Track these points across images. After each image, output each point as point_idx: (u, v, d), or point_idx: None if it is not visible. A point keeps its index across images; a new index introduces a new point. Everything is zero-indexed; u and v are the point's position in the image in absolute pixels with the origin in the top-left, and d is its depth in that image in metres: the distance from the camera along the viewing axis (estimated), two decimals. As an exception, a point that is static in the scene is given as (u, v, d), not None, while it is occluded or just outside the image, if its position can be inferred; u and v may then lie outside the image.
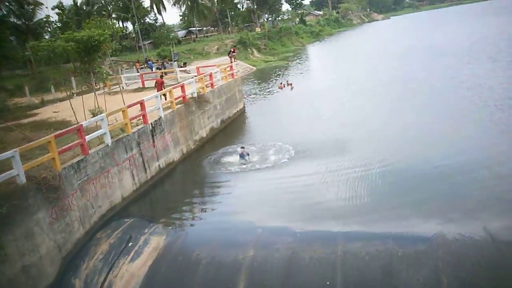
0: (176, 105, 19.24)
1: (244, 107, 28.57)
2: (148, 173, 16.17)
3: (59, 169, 11.56)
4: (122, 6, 65.73)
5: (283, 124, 23.38)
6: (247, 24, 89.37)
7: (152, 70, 32.54)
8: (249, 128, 25.60)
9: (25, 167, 10.65)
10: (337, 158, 16.40)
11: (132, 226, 12.68)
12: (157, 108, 17.51)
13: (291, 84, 34.97)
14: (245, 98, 30.50)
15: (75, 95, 25.37)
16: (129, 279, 10.57)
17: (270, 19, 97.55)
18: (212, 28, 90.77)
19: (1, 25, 41.64)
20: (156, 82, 22.45)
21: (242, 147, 17.94)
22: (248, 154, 17.57)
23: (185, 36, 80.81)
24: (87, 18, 22.47)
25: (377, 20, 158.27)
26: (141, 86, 28.69)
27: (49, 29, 49.37)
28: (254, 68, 53.91)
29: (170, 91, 19.19)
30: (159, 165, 17.01)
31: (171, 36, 63.61)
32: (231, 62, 32.66)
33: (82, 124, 13.21)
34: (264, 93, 34.53)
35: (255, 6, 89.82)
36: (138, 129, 15.97)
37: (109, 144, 14.03)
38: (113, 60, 42.22)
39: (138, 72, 32.53)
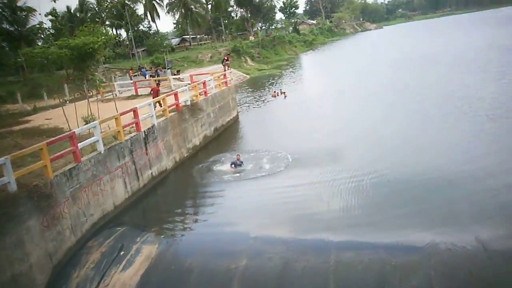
0: (170, 113, 19.22)
1: (237, 115, 28.60)
2: (141, 181, 16.09)
3: (51, 177, 11.48)
4: (116, 14, 65.74)
5: (277, 133, 23.40)
6: (241, 33, 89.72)
7: (145, 78, 32.53)
8: (243, 136, 25.60)
9: (16, 174, 10.56)
10: (330, 167, 16.43)
11: (124, 235, 12.58)
12: (150, 115, 17.47)
13: (284, 92, 35.10)
14: (238, 106, 30.53)
15: (68, 102, 25.29)
16: (120, 288, 10.47)
17: (263, 27, 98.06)
18: (206, 36, 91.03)
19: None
20: (151, 90, 22.45)
21: (238, 155, 17.91)
22: (242, 162, 17.54)
23: (178, 44, 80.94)
24: (80, 25, 22.43)
25: (370, 29, 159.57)
26: (134, 93, 28.64)
27: (42, 36, 49.19)
28: (248, 76, 54.05)
29: (163, 99, 19.17)
30: (151, 173, 16.94)
31: (164, 44, 63.67)
32: (225, 70, 32.77)
33: (74, 132, 13.14)
34: (258, 102, 34.60)
35: (249, 15, 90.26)
36: (131, 137, 15.91)
37: (102, 152, 13.96)
38: (106, 67, 42.19)
39: (131, 79, 32.49)
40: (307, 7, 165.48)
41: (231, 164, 17.58)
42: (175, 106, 19.95)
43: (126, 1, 65.63)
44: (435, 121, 21.17)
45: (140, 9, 71.65)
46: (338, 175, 15.57)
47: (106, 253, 11.65)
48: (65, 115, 17.22)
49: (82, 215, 12.55)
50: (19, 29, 46.44)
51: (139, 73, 35.96)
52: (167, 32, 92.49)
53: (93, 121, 15.79)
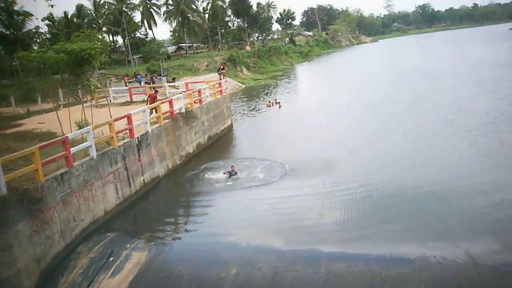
0: (164, 120, 19.21)
1: (231, 124, 28.62)
2: (133, 188, 16.02)
3: (42, 181, 11.39)
4: (113, 20, 65.90)
5: (271, 143, 23.41)
6: (237, 42, 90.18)
7: (140, 84, 32.52)
8: (236, 145, 25.61)
9: (7, 177, 10.47)
10: (323, 179, 16.46)
11: (114, 241, 12.49)
12: (144, 122, 17.45)
13: (279, 102, 35.20)
14: (233, 115, 30.57)
15: (61, 106, 25.17)
16: (108, 295, 10.36)
17: (260, 38, 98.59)
18: (202, 45, 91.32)
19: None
20: (148, 96, 22.50)
21: (232, 166, 17.86)
22: (236, 173, 17.50)
23: (175, 52, 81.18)
24: (77, 31, 22.42)
25: (366, 42, 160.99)
26: (129, 100, 28.59)
27: (38, 40, 49.18)
28: (243, 85, 54.21)
29: (158, 106, 19.16)
30: (144, 179, 16.87)
31: (161, 51, 63.90)
32: (220, 79, 32.84)
33: (67, 136, 13.09)
34: (252, 111, 34.67)
35: (246, 25, 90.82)
36: (124, 143, 15.86)
37: (94, 157, 13.90)
38: (101, 73, 42.13)
39: (126, 86, 32.46)
40: (304, 19, 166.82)
41: (226, 173, 17.51)
42: (169, 113, 19.93)
43: (123, 8, 65.90)
44: (427, 135, 21.31)
45: (137, 16, 71.83)
46: (331, 186, 15.63)
47: (95, 259, 11.54)
48: (58, 120, 17.14)
49: (72, 220, 12.45)
50: (15, 33, 46.41)
51: (134, 79, 35.98)
52: (163, 39, 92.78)
53: (86, 126, 15.75)
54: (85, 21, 64.55)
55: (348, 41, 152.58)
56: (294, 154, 20.09)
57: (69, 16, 63.00)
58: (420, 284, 9.37)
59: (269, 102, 36.27)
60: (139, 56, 65.53)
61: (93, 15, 66.95)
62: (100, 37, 21.95)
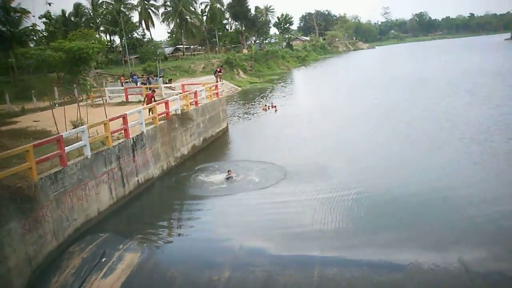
0: (159, 121, 19.17)
1: (227, 126, 28.62)
2: (127, 188, 15.96)
3: (36, 179, 11.32)
4: (110, 20, 65.78)
5: (266, 146, 23.39)
6: (235, 45, 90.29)
7: (137, 85, 32.47)
8: (231, 148, 25.60)
9: (0, 175, 10.38)
10: (317, 183, 16.44)
11: (106, 241, 12.42)
12: (140, 123, 17.41)
13: (275, 106, 35.24)
14: (228, 117, 30.57)
15: (57, 105, 25.06)
16: (100, 296, 10.30)
17: (257, 41, 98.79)
18: (200, 47, 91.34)
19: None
20: (146, 96, 22.46)
21: (229, 171, 17.79)
22: (232, 177, 17.47)
23: (172, 53, 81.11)
24: (74, 29, 22.40)
25: (362, 48, 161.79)
26: (125, 100, 28.53)
27: (35, 38, 48.98)
28: (239, 88, 54.26)
29: (153, 107, 19.13)
30: (138, 180, 16.82)
31: (158, 52, 63.80)
32: (217, 81, 32.84)
33: (62, 135, 13.03)
34: (248, 114, 34.69)
35: (244, 28, 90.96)
36: (119, 143, 15.82)
37: (89, 157, 13.85)
38: (98, 73, 42.03)
39: (122, 86, 32.39)
40: (302, 24, 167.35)
41: (228, 177, 17.47)
42: (165, 114, 19.90)
43: (121, 8, 65.81)
44: (421, 143, 21.37)
45: (135, 17, 71.83)
46: (325, 191, 15.61)
47: (88, 259, 11.47)
48: (54, 118, 17.06)
49: (65, 220, 12.38)
50: (12, 30, 46.14)
51: (130, 80, 35.92)
52: (161, 40, 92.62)
53: (81, 125, 15.70)
54: (83, 20, 64.46)
55: (345, 47, 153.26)
56: (289, 158, 20.08)
57: (66, 15, 62.82)
58: (413, 290, 9.40)
59: (265, 105, 36.31)
60: (136, 56, 65.41)
61: (91, 14, 66.87)
62: (98, 36, 21.92)
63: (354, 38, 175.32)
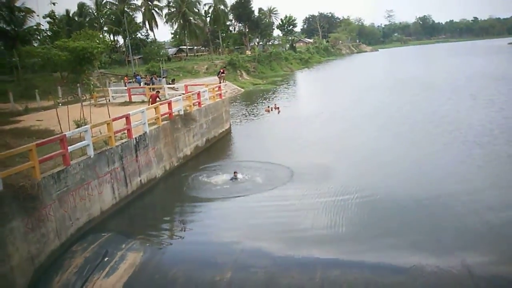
0: (162, 121, 19.19)
1: (230, 127, 28.62)
2: (129, 188, 15.97)
3: (39, 178, 11.33)
4: (114, 20, 65.96)
5: (269, 147, 23.35)
6: (238, 47, 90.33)
7: (140, 85, 32.52)
8: (234, 148, 25.60)
9: (3, 174, 10.41)
10: (320, 185, 16.44)
11: (109, 241, 12.43)
12: (143, 123, 17.43)
13: (278, 108, 35.21)
14: (231, 118, 30.57)
15: (60, 104, 25.13)
16: (102, 295, 10.30)
17: (261, 43, 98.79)
18: (203, 48, 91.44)
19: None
20: (150, 97, 22.53)
21: (235, 172, 17.76)
22: (237, 178, 17.46)
23: (175, 54, 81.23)
24: (78, 29, 22.44)
25: (366, 51, 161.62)
26: (128, 100, 28.58)
27: (39, 37, 49.12)
28: (242, 89, 54.28)
29: (157, 107, 19.16)
30: (140, 180, 16.83)
31: (161, 53, 63.91)
32: (220, 83, 32.85)
33: (65, 134, 13.06)
34: (251, 115, 34.69)
35: (247, 30, 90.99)
36: (122, 143, 15.83)
37: (92, 156, 13.87)
38: (101, 73, 42.12)
39: (125, 86, 32.45)
40: (305, 26, 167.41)
41: (233, 178, 17.48)
42: (168, 114, 19.92)
43: (125, 9, 65.99)
44: (423, 145, 21.35)
45: (138, 17, 72.03)
46: (327, 193, 15.59)
47: (90, 259, 11.49)
48: (58, 117, 17.09)
49: (68, 219, 12.39)
50: (16, 29, 46.32)
51: (134, 80, 35.99)
52: (164, 41, 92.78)
53: (85, 125, 15.71)
54: (87, 20, 64.61)
55: (348, 49, 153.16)
56: (291, 159, 20.03)
57: (70, 14, 63.02)
58: (415, 293, 9.37)
59: (268, 107, 36.30)
60: (139, 56, 65.55)
61: (95, 14, 67.01)
62: (101, 37, 21.99)
63: (357, 41, 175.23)
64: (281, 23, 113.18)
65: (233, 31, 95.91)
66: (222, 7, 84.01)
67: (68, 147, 12.78)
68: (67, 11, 62.83)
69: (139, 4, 71.26)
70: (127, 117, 16.36)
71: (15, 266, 10.15)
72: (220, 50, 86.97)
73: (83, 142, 13.85)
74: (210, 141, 24.54)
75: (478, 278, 9.64)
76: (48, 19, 50.21)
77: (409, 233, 12.29)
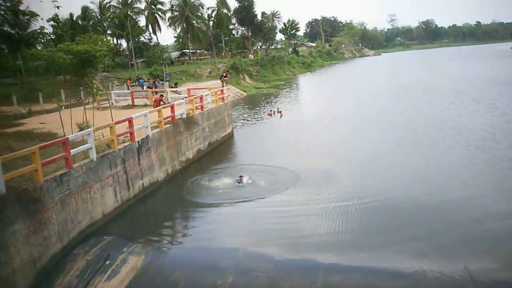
0: (165, 125, 19.22)
1: (232, 131, 28.64)
2: (131, 191, 15.99)
3: (41, 181, 11.36)
4: (117, 23, 66.22)
5: (271, 151, 23.33)
6: (241, 50, 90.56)
7: (143, 89, 32.60)
8: (236, 152, 25.59)
9: (6, 176, 10.43)
10: (322, 189, 16.40)
11: (111, 244, 12.44)
12: (145, 126, 17.46)
13: (280, 111, 35.21)
14: (234, 122, 30.59)
15: (63, 107, 25.19)
16: (103, 299, 10.31)
17: (263, 47, 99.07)
18: (206, 52, 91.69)
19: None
20: (154, 100, 22.60)
21: (241, 176, 17.76)
22: (241, 182, 17.46)
23: (178, 57, 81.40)
24: (82, 33, 22.53)
25: (368, 55, 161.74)
26: (131, 103, 28.65)
27: (43, 41, 49.36)
28: (245, 93, 54.34)
29: (159, 111, 19.20)
30: (143, 183, 16.84)
31: (164, 56, 64.05)
32: (223, 86, 32.90)
33: (68, 137, 13.09)
34: (253, 119, 34.71)
35: (250, 34, 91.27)
36: (125, 146, 15.86)
37: (94, 159, 13.89)
38: (104, 76, 42.25)
39: (128, 89, 32.53)
40: (308, 30, 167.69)
41: (236, 182, 17.49)
42: (170, 118, 19.96)
43: (128, 12, 66.25)
44: (426, 149, 21.34)
45: (142, 21, 72.34)
46: (329, 197, 15.56)
47: (92, 262, 11.49)
48: (61, 120, 17.13)
49: (70, 222, 12.41)
50: (20, 32, 46.55)
51: (136, 83, 36.07)
52: (167, 45, 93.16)
53: (87, 128, 15.75)
54: (90, 23, 64.92)
55: (351, 53, 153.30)
56: (293, 163, 20.01)
57: (74, 18, 63.34)
58: (417, 299, 9.33)
59: (270, 111, 36.33)
60: (142, 60, 65.72)
61: (98, 17, 67.32)
62: (105, 40, 22.04)
63: (360, 45, 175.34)
64: (284, 27, 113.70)
65: (236, 35, 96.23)
66: (225, 11, 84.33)
67: (71, 150, 12.81)
68: (71, 15, 63.23)
69: (143, 8, 71.56)
70: (130, 121, 16.40)
71: (16, 269, 10.16)
72: (223, 53, 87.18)
73: (86, 145, 13.88)
74: (213, 145, 24.56)
75: (480, 284, 9.59)
76: (52, 22, 50.51)
77: (411, 238, 12.26)
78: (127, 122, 16.44)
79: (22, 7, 46.50)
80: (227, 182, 17.74)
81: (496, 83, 45.78)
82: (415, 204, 14.57)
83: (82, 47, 16.33)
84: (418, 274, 9.96)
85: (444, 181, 16.83)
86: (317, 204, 15.08)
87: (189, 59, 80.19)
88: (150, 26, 73.03)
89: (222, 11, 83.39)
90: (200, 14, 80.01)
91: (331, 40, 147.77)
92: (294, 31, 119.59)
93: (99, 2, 66.73)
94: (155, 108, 19.92)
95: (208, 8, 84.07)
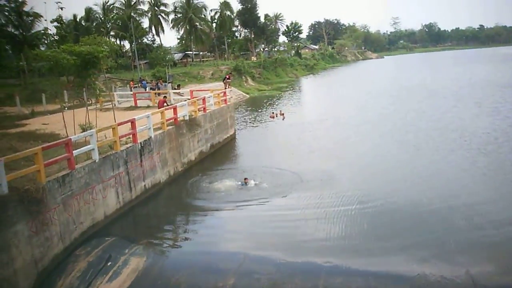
0: (167, 126, 19.24)
1: (234, 133, 28.66)
2: (133, 193, 16.00)
3: (43, 182, 11.38)
4: (121, 25, 66.47)
5: (273, 154, 23.38)
6: (244, 52, 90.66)
7: (145, 90, 32.63)
8: (238, 154, 25.60)
9: (9, 177, 10.45)
10: (324, 193, 16.36)
11: (112, 245, 12.45)
12: (148, 128, 17.48)
13: (283, 114, 35.22)
14: (236, 124, 30.60)
15: (66, 108, 25.26)
16: (104, 300, 10.31)
17: (266, 49, 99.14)
18: (209, 54, 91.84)
19: (-2, 33, 41.86)
20: (158, 102, 22.69)
21: (246, 178, 17.76)
22: (246, 184, 17.47)
23: (181, 59, 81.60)
24: (85, 34, 22.64)
25: (371, 58, 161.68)
26: (134, 105, 28.69)
27: (46, 42, 49.56)
28: (247, 95, 54.39)
29: (162, 112, 19.23)
30: (145, 185, 16.86)
31: (167, 58, 64.20)
32: (225, 88, 32.93)
33: (71, 138, 13.11)
34: (256, 121, 34.71)
35: (253, 36, 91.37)
36: (127, 148, 15.88)
37: (97, 161, 13.91)
38: (107, 77, 42.33)
39: (131, 90, 32.58)
40: (311, 32, 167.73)
41: (241, 183, 17.52)
42: (173, 119, 19.99)
43: (132, 14, 66.45)
44: (428, 152, 21.28)
45: (145, 22, 72.66)
46: (331, 201, 15.52)
47: (93, 263, 11.50)
48: (64, 121, 17.17)
49: (71, 223, 12.42)
50: (24, 33, 46.78)
51: (139, 85, 36.08)
52: (170, 46, 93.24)
53: (90, 129, 15.78)
54: (94, 24, 65.13)
55: (354, 56, 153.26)
56: (295, 166, 20.03)
57: (77, 19, 63.55)
58: (419, 303, 9.30)
59: (273, 113, 36.33)
60: (145, 61, 65.90)
61: (102, 19, 67.54)
62: (108, 41, 22.13)
63: (363, 48, 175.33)
64: (286, 29, 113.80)
65: (239, 37, 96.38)
66: (228, 13, 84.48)
67: (73, 151, 12.83)
68: (75, 16, 63.49)
69: (146, 10, 71.87)
70: (133, 122, 16.43)
71: (18, 270, 10.18)
72: (225, 55, 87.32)
73: (88, 146, 13.90)
74: (215, 147, 24.57)
75: (482, 288, 9.57)
76: (55, 23, 50.67)
77: (412, 241, 12.21)
78: (129, 123, 16.46)
79: (26, 8, 46.84)
80: (229, 184, 17.73)
81: (499, 87, 45.69)
82: (417, 208, 14.53)
83: (84, 48, 16.38)
84: (420, 278, 9.93)
85: (446, 184, 16.78)
86: (318, 208, 15.04)
87: (192, 61, 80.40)
88: (153, 28, 73.30)
89: (225, 13, 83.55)
90: (203, 16, 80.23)
91: (334, 43, 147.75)
92: (297, 33, 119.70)
93: (103, 3, 67.10)
94: (159, 110, 19.94)
95: (211, 10, 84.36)
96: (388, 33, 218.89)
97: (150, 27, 73.40)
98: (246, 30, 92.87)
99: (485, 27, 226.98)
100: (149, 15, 71.82)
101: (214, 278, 10.58)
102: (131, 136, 16.46)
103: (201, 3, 77.94)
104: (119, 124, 15.93)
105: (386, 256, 11.43)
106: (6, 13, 45.59)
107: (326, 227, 13.44)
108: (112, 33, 66.76)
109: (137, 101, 28.96)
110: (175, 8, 76.64)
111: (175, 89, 33.19)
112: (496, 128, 25.37)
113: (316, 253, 11.69)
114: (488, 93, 41.18)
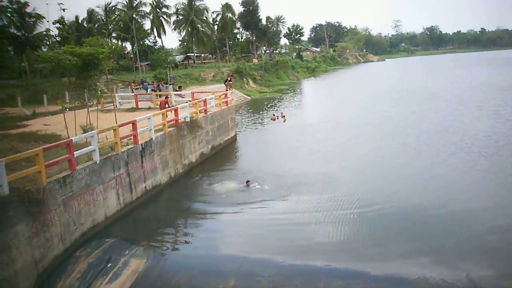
0: (168, 128, 19.25)
1: (235, 135, 28.66)
2: (134, 194, 16.00)
3: (44, 183, 11.39)
4: (122, 26, 66.55)
5: (274, 156, 23.38)
6: (245, 55, 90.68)
7: (147, 92, 32.70)
8: (239, 156, 25.60)
9: (10, 178, 10.47)
10: (325, 195, 16.33)
11: (112, 247, 12.44)
12: (149, 129, 17.50)
13: (284, 116, 35.23)
14: (237, 126, 30.61)
15: (67, 109, 25.28)
16: (104, 301, 10.30)
17: (267, 51, 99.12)
18: (210, 55, 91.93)
19: (0, 34, 41.87)
20: (160, 103, 22.72)
21: (248, 181, 17.76)
22: (248, 186, 17.46)
23: (182, 61, 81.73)
24: (87, 35, 22.68)
25: (372, 61, 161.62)
26: (135, 106, 28.73)
27: (48, 43, 49.64)
28: (249, 97, 54.40)
29: (163, 114, 19.25)
30: (145, 186, 16.86)
31: (168, 60, 64.28)
32: (227, 90, 32.96)
33: (72, 140, 13.13)
34: (257, 123, 34.72)
35: (254, 38, 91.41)
36: (128, 149, 15.89)
37: (97, 162, 13.92)
38: (109, 78, 42.43)
39: (132, 92, 32.64)
40: (312, 35, 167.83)
41: (247, 185, 17.52)
42: (174, 121, 20.00)
43: (133, 15, 66.57)
44: (428, 156, 21.25)
45: (147, 24, 72.81)
46: (332, 204, 15.49)
47: (93, 264, 11.50)
48: (65, 122, 17.20)
49: (72, 224, 12.43)
50: (26, 34, 46.85)
51: (141, 86, 36.22)
52: (172, 48, 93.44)
53: (91, 130, 15.79)
54: (96, 26, 65.25)
55: (355, 59, 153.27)
56: (296, 168, 20.03)
57: (80, 21, 63.69)
58: (419, 306, 9.28)
59: (274, 115, 36.33)
60: (147, 63, 65.98)
61: (104, 20, 67.66)
62: (110, 42, 22.21)
63: (364, 50, 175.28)
64: (288, 31, 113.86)
65: (240, 39, 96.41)
66: (230, 15, 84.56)
67: (74, 152, 12.85)
68: (77, 17, 63.62)
69: (148, 11, 72.03)
70: (134, 123, 16.44)
71: (18, 270, 10.18)
72: (227, 57, 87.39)
73: (89, 147, 13.92)
74: (216, 149, 24.58)
75: (483, 292, 9.55)
76: (57, 25, 50.79)
77: (413, 245, 12.19)
78: (130, 124, 16.47)
79: (28, 9, 46.88)
80: (230, 186, 17.74)
81: (500, 90, 45.63)
82: (417, 211, 14.52)
83: (85, 49, 16.42)
84: (420, 281, 9.92)
85: (446, 187, 16.76)
86: (319, 211, 15.00)
87: (194, 62, 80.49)
88: (155, 30, 73.44)
89: (227, 15, 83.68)
90: (205, 18, 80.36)
91: (335, 45, 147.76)
92: (298, 36, 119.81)
93: (105, 5, 67.25)
94: (161, 111, 19.96)
95: (213, 12, 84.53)
96: (390, 36, 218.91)
97: (151, 29, 73.55)
98: (247, 32, 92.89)
99: (487, 31, 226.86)
100: (151, 16, 71.96)
101: (214, 280, 10.57)
102: (132, 137, 16.46)
103: (203, 5, 78.18)
104: (120, 125, 15.94)
105: (386, 259, 11.43)
106: (9, 14, 45.65)
107: (326, 230, 13.43)
108: (114, 34, 66.86)
109: (138, 102, 28.99)
110: (177, 10, 76.87)
111: (176, 90, 33.26)
112: (497, 131, 25.35)
113: (317, 256, 11.69)
114: (489, 96, 41.13)
